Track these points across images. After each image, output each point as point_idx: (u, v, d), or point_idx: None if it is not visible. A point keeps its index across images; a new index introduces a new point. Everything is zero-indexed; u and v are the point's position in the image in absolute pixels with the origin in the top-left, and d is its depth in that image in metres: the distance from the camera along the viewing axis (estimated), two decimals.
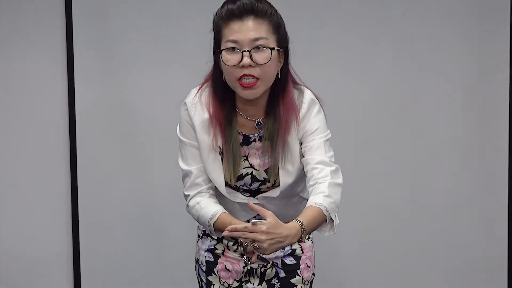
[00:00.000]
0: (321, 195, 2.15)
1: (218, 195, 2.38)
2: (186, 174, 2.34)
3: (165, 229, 3.54)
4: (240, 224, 2.05)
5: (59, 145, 3.45)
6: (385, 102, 3.52)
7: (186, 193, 2.35)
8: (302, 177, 2.35)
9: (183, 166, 2.33)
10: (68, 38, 3.36)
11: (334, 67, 3.50)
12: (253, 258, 2.14)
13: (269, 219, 2.02)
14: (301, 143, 2.28)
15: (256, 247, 2.02)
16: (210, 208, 2.27)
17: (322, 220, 2.15)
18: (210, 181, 2.33)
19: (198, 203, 2.29)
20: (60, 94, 3.42)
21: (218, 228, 2.26)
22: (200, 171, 2.31)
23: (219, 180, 2.30)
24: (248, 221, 2.13)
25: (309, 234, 2.46)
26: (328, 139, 2.29)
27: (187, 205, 2.35)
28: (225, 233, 2.05)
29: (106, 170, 3.48)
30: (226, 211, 2.27)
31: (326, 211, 2.14)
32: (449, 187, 3.59)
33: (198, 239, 2.53)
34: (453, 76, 3.56)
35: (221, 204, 2.34)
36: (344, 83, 3.52)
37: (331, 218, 2.16)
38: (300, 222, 2.09)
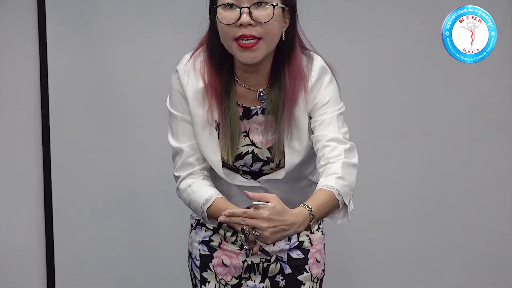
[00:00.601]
0: (333, 176, 2.01)
1: (213, 177, 2.24)
2: (176, 152, 2.20)
3: (152, 218, 3.38)
4: (239, 209, 1.93)
5: (30, 131, 3.27)
6: (402, 72, 3.35)
7: (176, 174, 2.21)
8: (311, 156, 2.21)
9: (173, 143, 2.19)
10: (40, 17, 3.23)
11: (347, 31, 3.33)
12: (255, 249, 2.00)
13: (273, 203, 1.89)
14: (310, 118, 2.15)
15: (256, 235, 1.90)
16: (203, 192, 2.13)
17: (334, 206, 2.01)
18: (204, 160, 2.19)
19: (189, 185, 2.16)
20: (31, 73, 3.26)
21: (213, 215, 2.12)
22: (193, 149, 2.17)
23: (215, 160, 2.16)
24: (248, 208, 1.98)
25: (319, 223, 2.33)
26: (341, 113, 2.15)
27: (178, 188, 2.22)
28: (221, 218, 1.92)
29: (83, 155, 3.33)
30: (222, 196, 2.14)
31: (339, 195, 2.00)
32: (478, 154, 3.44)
33: (191, 230, 2.37)
34: None
35: (216, 187, 2.21)
36: (359, 50, 3.37)
37: (344, 203, 2.02)
38: (308, 207, 1.96)
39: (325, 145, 2.10)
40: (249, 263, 2.30)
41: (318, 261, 2.34)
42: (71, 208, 3.32)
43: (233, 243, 2.31)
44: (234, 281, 2.30)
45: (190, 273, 2.39)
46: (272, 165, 2.24)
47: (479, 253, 3.45)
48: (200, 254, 2.33)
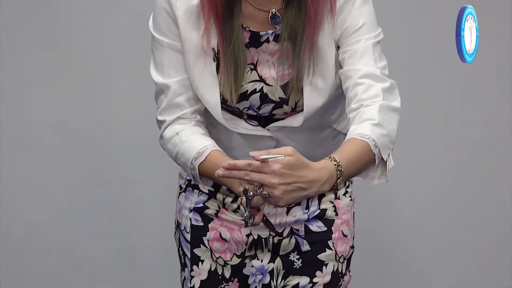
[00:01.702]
0: (368, 123, 1.80)
1: (208, 123, 2.04)
2: (161, 90, 1.98)
3: (127, 178, 3.17)
4: (242, 161, 1.68)
5: None
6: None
7: (160, 118, 1.99)
8: (337, 98, 2.00)
9: (157, 78, 1.98)
10: None
11: None
12: (257, 217, 1.75)
13: (286, 152, 1.66)
14: (338, 47, 1.94)
15: (265, 195, 1.66)
16: (195, 142, 1.90)
17: (369, 161, 1.79)
18: (197, 101, 1.98)
19: (177, 133, 1.94)
20: None
21: (206, 172, 1.87)
22: (183, 85, 1.96)
23: (212, 99, 1.94)
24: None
25: (347, 184, 2.09)
26: (379, 42, 1.94)
27: (161, 137, 2.00)
28: (218, 172, 1.69)
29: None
30: (220, 149, 1.89)
31: (376, 147, 1.77)
32: None
33: (180, 193, 2.14)
34: None
35: (212, 137, 1.99)
36: None
37: (382, 158, 1.80)
38: (335, 160, 1.72)
39: (357, 83, 1.89)
40: (255, 237, 2.03)
41: (345, 235, 2.07)
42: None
43: (235, 211, 2.04)
44: (236, 260, 2.04)
45: (178, 250, 2.14)
46: (286, 108, 1.99)
47: None
48: (192, 225, 2.07)
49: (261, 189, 1.67)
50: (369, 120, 1.81)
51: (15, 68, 3.15)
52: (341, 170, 1.72)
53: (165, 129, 1.97)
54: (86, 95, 3.17)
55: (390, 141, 1.82)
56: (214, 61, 1.94)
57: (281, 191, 1.66)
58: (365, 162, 1.79)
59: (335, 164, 1.72)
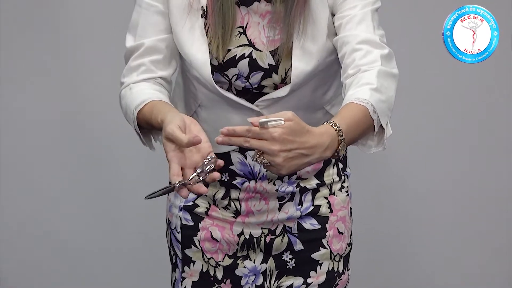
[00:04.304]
0: (366, 87, 1.70)
1: (197, 106, 1.92)
2: (130, 52, 1.86)
3: (115, 170, 3.10)
4: (241, 126, 1.57)
5: None
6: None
7: (122, 80, 1.87)
8: (330, 70, 1.89)
9: (128, 41, 1.87)
10: None
11: None
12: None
13: (286, 116, 1.56)
14: (333, 15, 1.84)
15: (265, 162, 1.57)
16: (142, 93, 1.79)
17: (368, 127, 1.69)
18: (167, 67, 1.87)
19: (131, 88, 1.83)
20: None
21: (143, 120, 1.76)
22: (155, 48, 1.84)
23: (202, 58, 1.82)
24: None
25: (342, 179, 1.98)
26: (377, 10, 1.84)
27: (119, 96, 1.88)
28: (218, 139, 1.56)
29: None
30: (168, 101, 1.78)
31: (374, 112, 1.68)
32: None
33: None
34: None
35: (200, 118, 1.89)
36: None
37: (381, 125, 1.71)
38: (335, 125, 1.63)
39: (355, 49, 1.78)
40: (247, 237, 1.93)
41: (340, 233, 1.96)
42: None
43: (226, 208, 1.93)
44: (228, 261, 1.94)
45: (169, 249, 2.04)
46: (275, 78, 1.88)
47: None
48: (182, 225, 1.97)
49: (262, 157, 1.58)
50: (367, 84, 1.71)
51: (14, 67, 3.09)
52: (342, 136, 1.63)
53: (123, 89, 1.87)
54: (86, 94, 3.11)
55: (388, 108, 1.73)
56: (202, 17, 1.83)
57: (282, 158, 1.57)
58: (364, 128, 1.70)
59: (336, 129, 1.63)
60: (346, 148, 1.67)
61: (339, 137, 1.63)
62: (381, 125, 1.72)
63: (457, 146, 3.21)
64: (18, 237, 3.13)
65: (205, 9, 1.84)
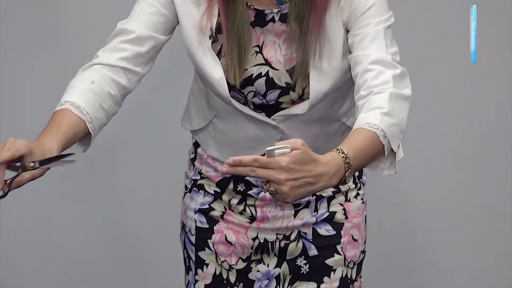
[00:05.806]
0: (377, 112, 1.70)
1: (213, 116, 1.94)
2: (118, 32, 1.84)
3: (130, 173, 3.02)
4: (247, 156, 1.57)
5: None
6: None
7: (98, 53, 1.87)
8: (346, 86, 1.90)
9: (124, 23, 1.86)
10: None
11: None
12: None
13: (295, 145, 1.54)
14: (347, 31, 1.84)
15: (272, 190, 1.56)
16: (74, 90, 1.77)
17: (378, 152, 1.69)
18: (146, 67, 1.86)
19: (79, 74, 1.82)
20: None
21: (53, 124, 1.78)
22: (144, 43, 1.83)
23: (217, 75, 1.84)
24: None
25: (358, 186, 2.00)
26: (390, 26, 1.83)
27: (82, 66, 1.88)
28: (223, 169, 1.57)
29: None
30: (83, 107, 1.75)
31: (385, 137, 1.67)
32: None
33: (185, 193, 2.06)
34: None
35: (217, 130, 1.93)
36: None
37: (391, 149, 1.71)
38: (343, 152, 1.62)
39: (367, 69, 1.79)
40: (261, 241, 1.95)
41: (355, 240, 1.97)
42: None
43: (241, 213, 1.94)
44: (241, 265, 1.96)
45: (183, 251, 2.06)
46: (293, 95, 1.89)
47: None
48: (197, 227, 1.99)
49: (268, 185, 1.58)
50: (378, 108, 1.71)
51: (13, 67, 3.07)
52: (349, 163, 1.62)
53: (88, 65, 1.84)
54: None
55: (400, 131, 1.72)
56: (210, 39, 1.83)
57: (288, 187, 1.56)
58: (373, 153, 1.70)
59: (343, 157, 1.62)
60: None
61: (346, 164, 1.63)
62: (391, 149, 1.73)
63: (468, 152, 3.19)
64: (17, 237, 3.12)
65: (215, 32, 1.86)
